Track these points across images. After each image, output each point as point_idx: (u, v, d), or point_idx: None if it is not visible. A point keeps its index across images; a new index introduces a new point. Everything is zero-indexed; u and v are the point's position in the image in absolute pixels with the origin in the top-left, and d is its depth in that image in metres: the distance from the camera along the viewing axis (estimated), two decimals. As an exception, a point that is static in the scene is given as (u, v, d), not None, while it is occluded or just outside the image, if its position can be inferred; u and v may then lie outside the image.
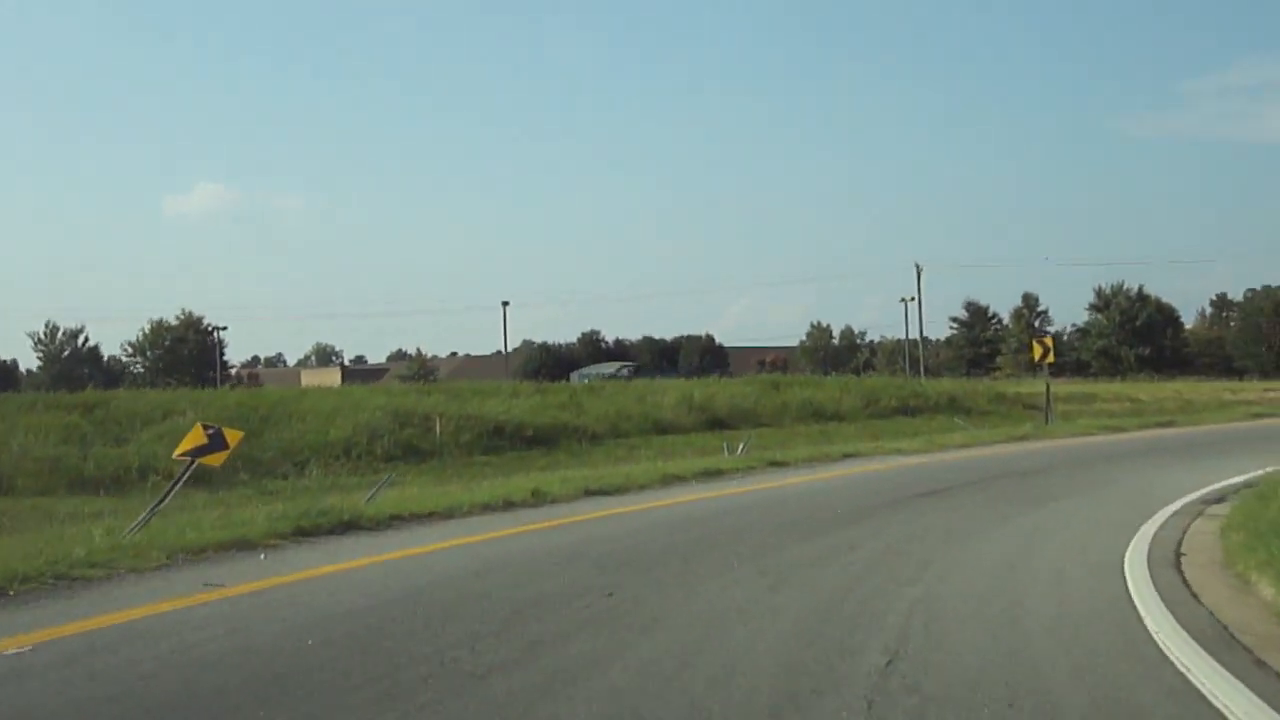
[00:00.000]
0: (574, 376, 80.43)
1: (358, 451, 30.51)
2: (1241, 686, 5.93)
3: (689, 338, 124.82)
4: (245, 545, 11.84)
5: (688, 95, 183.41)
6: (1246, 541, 10.01)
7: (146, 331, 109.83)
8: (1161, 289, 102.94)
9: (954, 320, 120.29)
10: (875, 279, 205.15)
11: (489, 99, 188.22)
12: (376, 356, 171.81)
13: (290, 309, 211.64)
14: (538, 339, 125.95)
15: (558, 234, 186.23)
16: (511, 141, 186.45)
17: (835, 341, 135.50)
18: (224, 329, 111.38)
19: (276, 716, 5.83)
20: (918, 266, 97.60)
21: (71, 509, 19.79)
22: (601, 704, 5.87)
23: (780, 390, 46.98)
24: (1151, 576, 9.34)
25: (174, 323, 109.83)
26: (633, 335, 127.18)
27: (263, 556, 11.39)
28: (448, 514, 15.08)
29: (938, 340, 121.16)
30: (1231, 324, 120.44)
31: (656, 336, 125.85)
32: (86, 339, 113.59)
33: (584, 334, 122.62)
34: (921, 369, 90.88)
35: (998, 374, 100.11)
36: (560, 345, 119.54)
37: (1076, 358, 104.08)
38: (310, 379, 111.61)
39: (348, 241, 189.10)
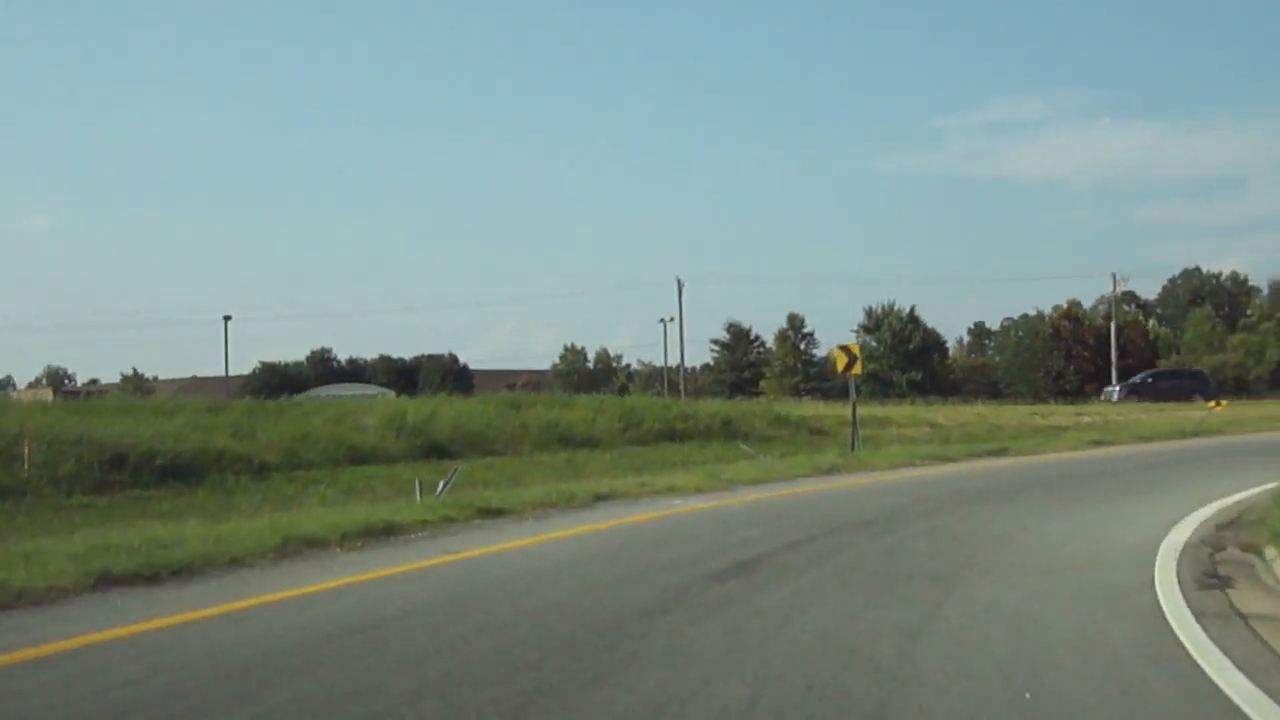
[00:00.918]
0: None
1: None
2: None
3: (431, 357, 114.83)
4: None
5: (434, 103, 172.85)
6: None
7: None
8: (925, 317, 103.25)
9: (715, 343, 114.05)
10: (634, 300, 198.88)
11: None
12: (111, 377, 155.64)
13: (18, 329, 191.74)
14: (274, 357, 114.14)
15: (288, 246, 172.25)
16: (250, 150, 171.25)
17: (590, 365, 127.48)
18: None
19: None
20: (679, 281, 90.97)
21: None
22: None
23: (521, 411, 38.01)
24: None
25: None
26: (368, 354, 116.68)
27: None
28: None
29: (694, 368, 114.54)
30: (989, 351, 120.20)
31: (395, 356, 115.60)
32: None
33: (314, 351, 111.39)
34: (681, 393, 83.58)
35: (761, 399, 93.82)
36: (287, 364, 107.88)
37: (844, 382, 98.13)
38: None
39: (81, 259, 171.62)
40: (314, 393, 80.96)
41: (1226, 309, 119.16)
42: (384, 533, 13.76)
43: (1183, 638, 7.67)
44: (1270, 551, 11.15)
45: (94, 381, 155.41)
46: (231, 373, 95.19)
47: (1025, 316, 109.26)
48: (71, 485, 23.30)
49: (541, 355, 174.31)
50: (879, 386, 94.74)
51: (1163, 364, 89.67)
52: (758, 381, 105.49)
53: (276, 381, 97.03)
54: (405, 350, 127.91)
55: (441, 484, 18.10)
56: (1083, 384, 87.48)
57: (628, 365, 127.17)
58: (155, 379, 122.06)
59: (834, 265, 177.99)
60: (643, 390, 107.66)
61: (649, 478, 21.78)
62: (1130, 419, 41.76)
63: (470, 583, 10.59)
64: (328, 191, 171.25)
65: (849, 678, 6.67)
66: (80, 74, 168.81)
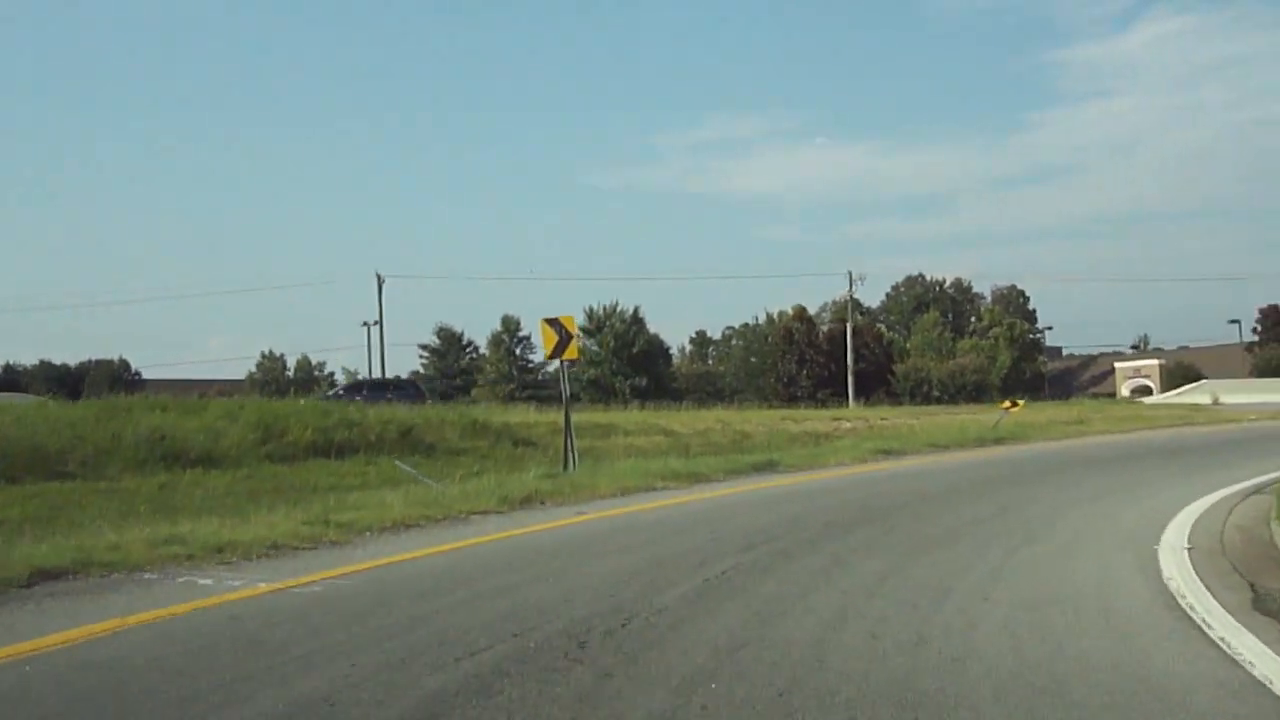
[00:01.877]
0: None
1: None
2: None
3: (99, 363, 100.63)
4: None
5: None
6: None
7: None
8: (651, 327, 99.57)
9: (424, 348, 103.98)
10: (338, 302, 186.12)
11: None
12: None
13: None
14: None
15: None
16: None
17: (290, 373, 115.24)
18: None
19: None
20: (379, 278, 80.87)
21: None
22: None
23: (117, 417, 27.72)
24: None
25: None
26: (28, 359, 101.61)
27: None
28: None
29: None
30: (711, 359, 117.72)
31: (58, 361, 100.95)
32: None
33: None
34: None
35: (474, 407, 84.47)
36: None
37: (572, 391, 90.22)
38: None
39: None
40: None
41: (952, 315, 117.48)
42: None
43: None
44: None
45: None
46: None
47: (748, 325, 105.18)
48: None
49: (235, 362, 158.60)
50: (600, 393, 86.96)
51: (899, 367, 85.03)
52: (470, 390, 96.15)
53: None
54: (71, 355, 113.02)
55: None
56: (816, 388, 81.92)
57: (332, 373, 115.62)
58: None
59: (554, 269, 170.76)
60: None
61: (194, 525, 12.29)
62: (906, 425, 34.67)
63: None
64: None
65: None
66: None
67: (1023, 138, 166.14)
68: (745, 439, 32.76)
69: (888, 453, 24.41)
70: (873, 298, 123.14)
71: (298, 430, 28.66)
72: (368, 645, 6.62)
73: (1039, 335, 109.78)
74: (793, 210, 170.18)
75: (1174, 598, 7.75)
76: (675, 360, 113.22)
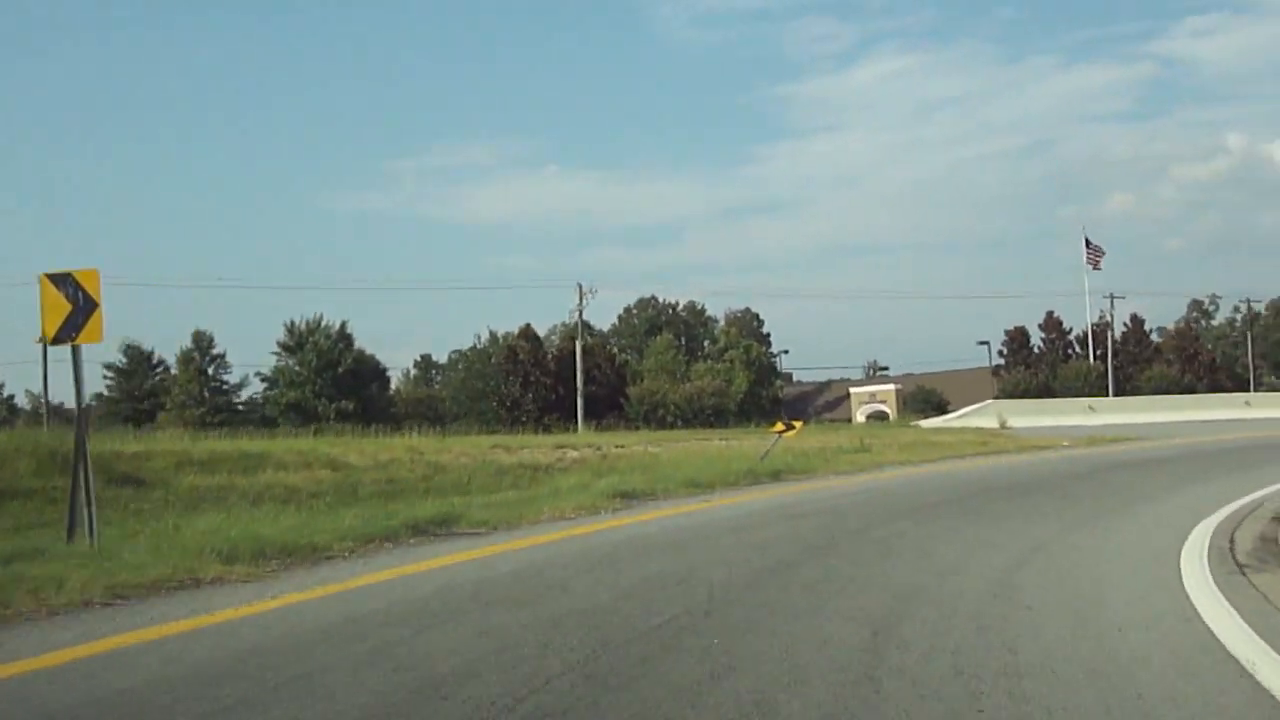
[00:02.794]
0: None
1: None
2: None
3: None
4: None
5: None
6: None
7: None
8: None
9: (109, 368, 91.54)
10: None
11: None
12: None
13: None
14: None
15: None
16: None
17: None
18: None
19: None
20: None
21: None
22: None
23: None
24: None
25: None
26: None
27: None
28: None
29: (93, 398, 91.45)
30: (437, 384, 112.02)
31: None
32: None
33: None
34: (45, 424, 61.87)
35: (160, 434, 73.37)
36: None
37: (262, 414, 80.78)
38: None
39: None
40: None
41: (685, 339, 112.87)
42: None
43: None
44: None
45: None
46: None
47: (474, 347, 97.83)
48: None
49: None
50: (302, 417, 77.15)
51: (633, 390, 78.35)
52: (155, 414, 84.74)
53: None
54: None
55: None
56: (543, 412, 74.29)
57: (11, 396, 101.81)
58: None
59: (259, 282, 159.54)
60: (28, 426, 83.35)
61: None
62: (647, 453, 27.24)
63: None
64: None
65: None
66: None
67: (752, 169, 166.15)
68: (439, 473, 24.79)
69: (628, 496, 16.76)
70: (604, 321, 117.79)
71: None
72: None
73: (775, 358, 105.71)
74: (524, 238, 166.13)
75: None
76: (398, 384, 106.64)
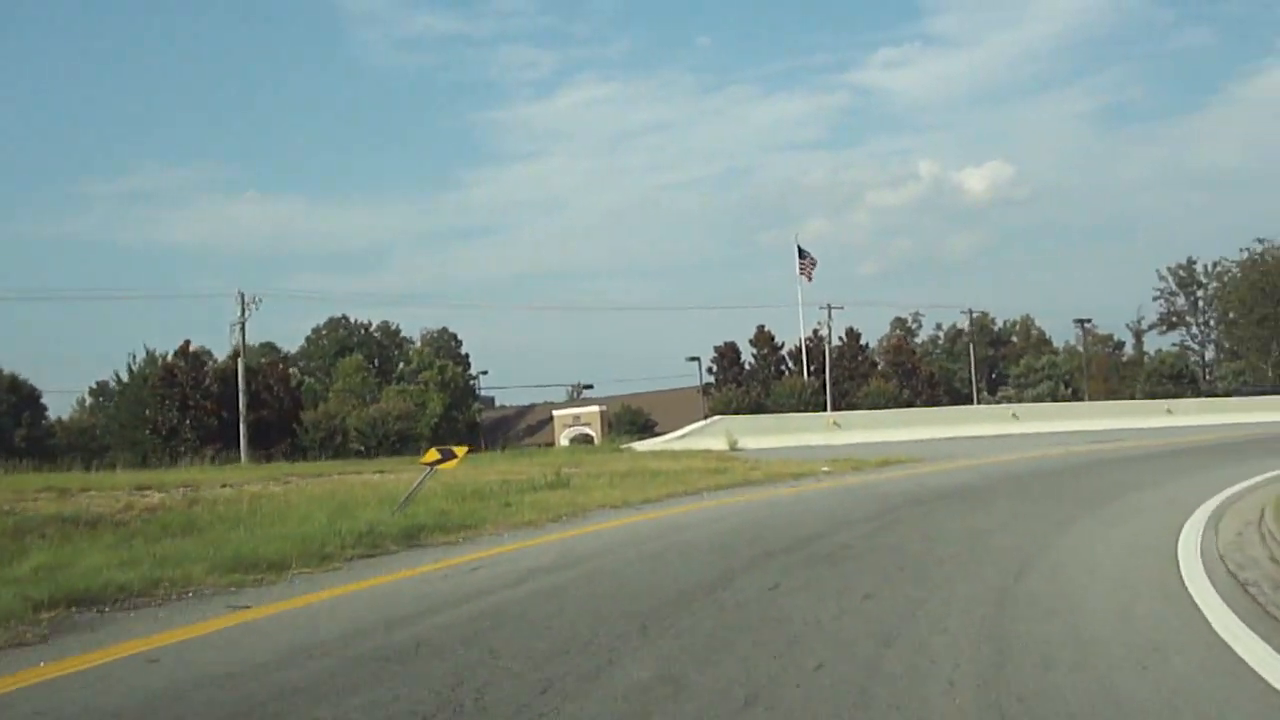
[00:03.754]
0: None
1: None
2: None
3: None
4: None
5: None
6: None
7: None
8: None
9: None
10: None
11: None
12: None
13: None
14: None
15: None
16: None
17: None
18: None
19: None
20: None
21: None
22: None
23: None
24: None
25: None
26: None
27: None
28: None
29: None
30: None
31: None
32: None
33: None
34: None
35: None
36: None
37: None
38: None
39: None
40: None
41: (379, 360, 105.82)
42: None
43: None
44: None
45: None
46: None
47: (130, 369, 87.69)
48: None
49: None
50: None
51: (308, 415, 69.45)
52: None
53: None
54: None
55: None
56: (203, 441, 64.12)
57: None
58: None
59: None
60: None
61: None
62: (269, 494, 19.20)
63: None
64: None
65: None
66: None
67: (457, 195, 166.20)
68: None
69: (82, 602, 9.02)
70: (293, 343, 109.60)
71: None
72: None
73: (473, 381, 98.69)
74: (223, 263, 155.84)
75: None
76: (73, 412, 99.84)
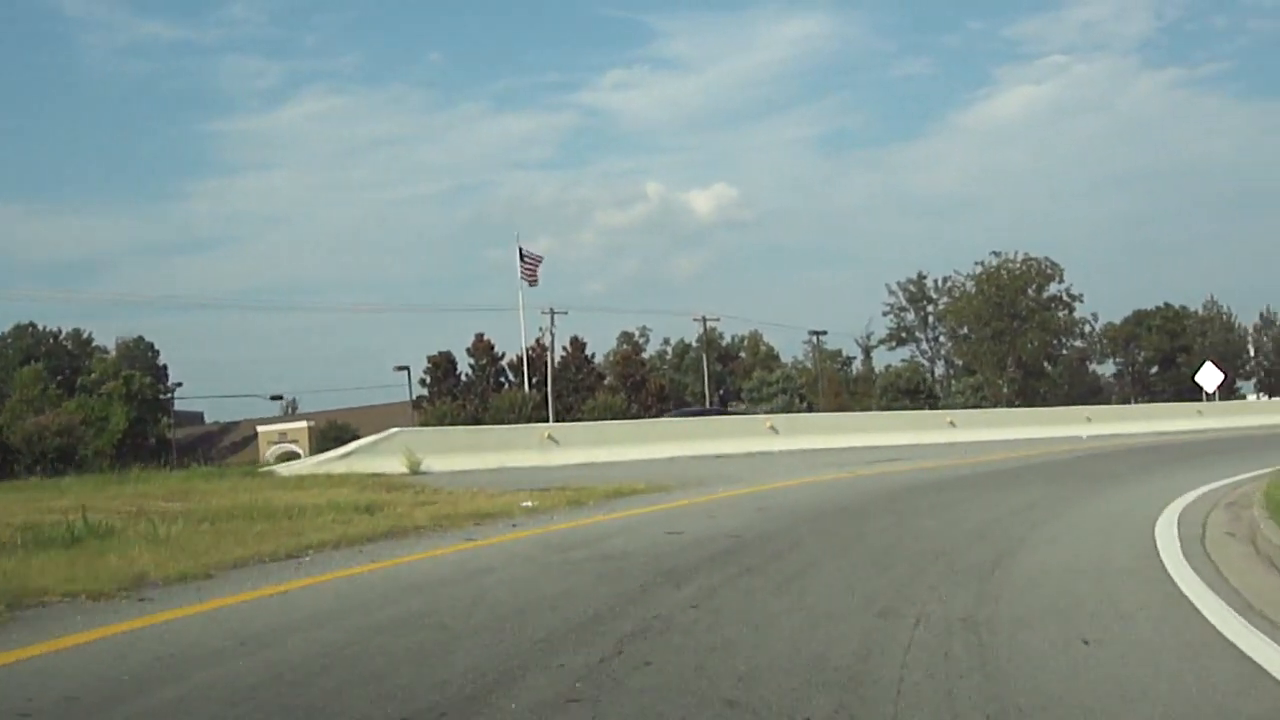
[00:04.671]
0: None
1: None
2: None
3: None
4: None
5: None
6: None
7: None
8: None
9: None
10: None
11: None
12: None
13: None
14: None
15: None
16: None
17: None
18: None
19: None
20: None
21: None
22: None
23: None
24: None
25: None
26: None
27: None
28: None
29: None
30: None
31: None
32: None
33: None
34: None
35: None
36: None
37: None
38: None
39: None
40: None
41: (68, 370, 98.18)
42: None
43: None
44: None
45: None
46: None
47: None
48: None
49: None
50: None
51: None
52: None
53: None
54: None
55: None
56: None
57: None
58: None
59: None
60: None
61: None
62: None
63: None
64: None
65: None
66: None
67: (181, 206, 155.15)
68: None
69: None
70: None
71: None
72: None
73: (169, 394, 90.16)
74: None
75: None
76: None
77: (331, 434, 71.47)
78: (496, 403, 67.16)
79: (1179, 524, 12.25)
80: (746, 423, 40.10)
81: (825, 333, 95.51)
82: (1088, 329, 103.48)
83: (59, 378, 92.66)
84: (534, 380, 70.73)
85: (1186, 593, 8.01)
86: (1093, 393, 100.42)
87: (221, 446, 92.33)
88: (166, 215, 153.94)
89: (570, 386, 72.25)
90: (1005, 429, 41.28)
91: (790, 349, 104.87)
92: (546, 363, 70.02)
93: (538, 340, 73.96)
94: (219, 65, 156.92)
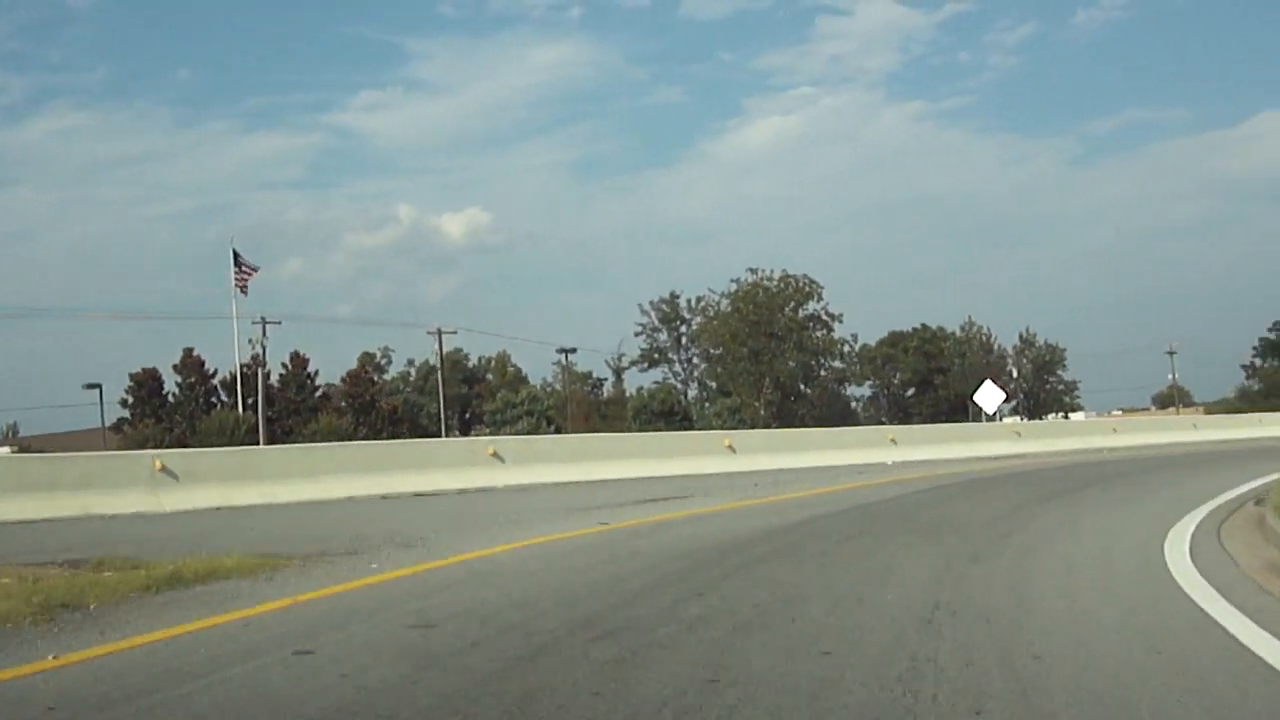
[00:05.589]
0: None
1: None
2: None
3: None
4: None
5: None
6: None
7: None
8: None
9: None
10: None
11: None
12: None
13: None
14: None
15: None
16: None
17: None
18: None
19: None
20: None
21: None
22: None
23: None
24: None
25: None
26: None
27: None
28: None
29: None
30: None
31: None
32: None
33: None
34: None
35: None
36: None
37: None
38: None
39: None
40: None
41: None
42: None
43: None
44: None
45: None
46: None
47: None
48: None
49: None
50: None
51: None
52: None
53: None
54: None
55: None
56: None
57: None
58: None
59: None
60: None
61: None
62: None
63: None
64: None
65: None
66: None
67: None
68: None
69: None
70: None
71: None
72: None
73: None
74: None
75: None
76: None
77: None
78: (205, 426, 58.68)
79: None
80: (466, 446, 31.43)
81: (574, 350, 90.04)
82: (846, 349, 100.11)
83: None
84: (249, 401, 62.19)
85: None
86: (844, 417, 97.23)
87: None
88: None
89: (291, 408, 63.81)
90: (795, 454, 33.18)
91: (540, 371, 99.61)
92: (259, 378, 61.36)
93: (254, 356, 65.32)
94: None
